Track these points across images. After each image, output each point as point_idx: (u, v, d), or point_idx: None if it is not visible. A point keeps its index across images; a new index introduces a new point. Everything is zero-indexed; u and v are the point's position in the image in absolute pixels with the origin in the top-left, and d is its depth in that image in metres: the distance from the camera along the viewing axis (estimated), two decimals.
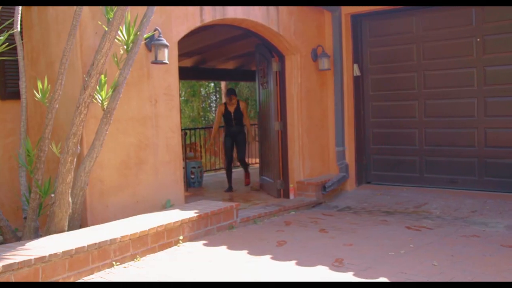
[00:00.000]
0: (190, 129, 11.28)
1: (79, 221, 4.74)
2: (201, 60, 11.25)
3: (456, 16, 7.10)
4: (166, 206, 5.67)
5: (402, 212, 6.41)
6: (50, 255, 3.57)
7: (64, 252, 3.68)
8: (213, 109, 20.30)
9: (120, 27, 4.70)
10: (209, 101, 20.68)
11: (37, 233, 4.54)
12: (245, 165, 9.15)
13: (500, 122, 6.87)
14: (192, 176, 9.21)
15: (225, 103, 8.89)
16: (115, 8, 4.87)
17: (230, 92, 8.88)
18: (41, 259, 3.51)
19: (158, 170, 5.71)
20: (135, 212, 5.35)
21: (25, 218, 4.65)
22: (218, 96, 19.55)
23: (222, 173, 11.94)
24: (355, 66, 7.81)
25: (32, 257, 3.47)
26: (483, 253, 4.52)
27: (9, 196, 5.52)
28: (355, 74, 7.83)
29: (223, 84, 17.97)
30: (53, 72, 5.41)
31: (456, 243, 4.90)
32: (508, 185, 6.81)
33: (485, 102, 6.95)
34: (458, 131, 7.22)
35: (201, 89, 20.02)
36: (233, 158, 9.06)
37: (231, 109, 8.73)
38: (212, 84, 19.54)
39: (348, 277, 3.93)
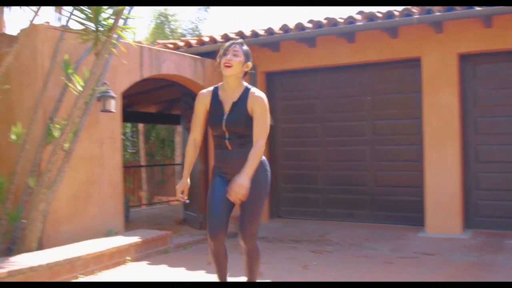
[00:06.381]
0: None
1: (39, 244, 5.57)
2: (127, 104, 12.17)
3: (351, 78, 8.61)
4: (109, 234, 6.56)
5: (308, 240, 7.62)
6: (38, 266, 4.47)
7: (47, 264, 4.59)
8: (129, 149, 20.85)
9: (80, 81, 5.70)
10: (125, 139, 21.23)
11: (4, 254, 5.31)
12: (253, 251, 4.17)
13: (387, 166, 8.36)
14: None
15: (215, 90, 3.87)
16: (73, 65, 5.92)
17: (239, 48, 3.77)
18: (31, 269, 4.41)
19: (102, 203, 6.62)
20: (82, 239, 6.19)
21: None
22: (135, 136, 20.21)
23: (144, 209, 12.83)
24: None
25: (25, 267, 4.35)
26: (370, 267, 5.82)
27: None
28: None
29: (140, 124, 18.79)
30: (12, 116, 6.26)
31: (350, 261, 6.18)
32: (393, 218, 8.26)
33: (374, 149, 8.43)
34: (353, 173, 8.64)
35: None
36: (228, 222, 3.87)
37: (228, 101, 3.79)
38: (130, 124, 20.21)
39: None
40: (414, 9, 7.30)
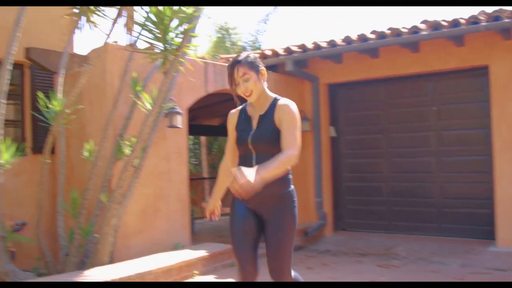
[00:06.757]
0: None
1: (110, 258, 5.74)
2: (191, 117, 12.39)
3: (415, 88, 8.46)
4: (176, 248, 6.69)
5: (373, 254, 7.53)
6: (111, 280, 4.62)
7: (120, 279, 4.74)
8: (192, 159, 21.17)
9: (148, 99, 5.86)
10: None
11: (77, 267, 5.51)
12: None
13: (454, 177, 8.13)
14: None
15: (244, 107, 3.46)
16: (140, 82, 6.09)
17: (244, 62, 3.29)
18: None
19: (170, 217, 6.76)
20: (150, 253, 6.34)
21: (66, 255, 5.61)
22: (197, 149, 20.55)
23: (208, 221, 12.95)
24: (331, 128, 9.08)
25: (99, 281, 4.52)
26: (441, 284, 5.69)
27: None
28: (331, 135, 9.09)
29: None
30: (84, 134, 6.51)
31: (419, 277, 6.05)
32: (461, 231, 8.02)
33: (440, 160, 8.23)
34: (419, 184, 8.45)
35: None
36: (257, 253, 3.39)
37: (256, 116, 3.37)
38: (192, 136, 20.56)
39: None
40: (481, 16, 7.11)
